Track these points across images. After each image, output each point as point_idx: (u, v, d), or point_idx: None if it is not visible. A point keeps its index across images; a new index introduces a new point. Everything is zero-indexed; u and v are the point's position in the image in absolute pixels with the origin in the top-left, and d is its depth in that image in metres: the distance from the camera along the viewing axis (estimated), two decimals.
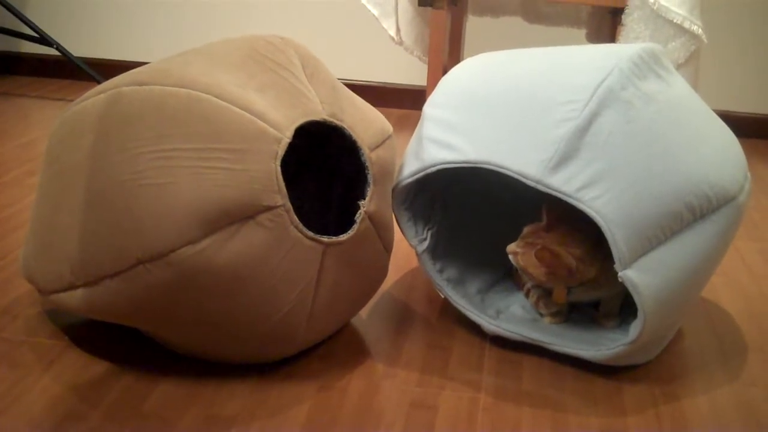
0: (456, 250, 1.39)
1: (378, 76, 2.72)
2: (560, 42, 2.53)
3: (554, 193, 1.12)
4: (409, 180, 1.24)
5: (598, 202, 1.10)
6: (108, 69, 2.70)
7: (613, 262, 1.11)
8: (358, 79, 2.71)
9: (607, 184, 1.10)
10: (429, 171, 1.22)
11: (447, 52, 2.46)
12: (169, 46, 2.75)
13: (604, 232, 1.10)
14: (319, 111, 1.12)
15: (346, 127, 1.14)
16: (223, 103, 1.05)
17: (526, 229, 1.26)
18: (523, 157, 1.14)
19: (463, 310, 1.30)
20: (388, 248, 1.24)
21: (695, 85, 2.05)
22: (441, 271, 1.33)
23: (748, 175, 1.26)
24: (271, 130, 1.06)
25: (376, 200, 1.16)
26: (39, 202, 1.20)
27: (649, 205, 1.11)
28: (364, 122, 1.17)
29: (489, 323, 1.27)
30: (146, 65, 1.15)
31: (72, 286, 1.10)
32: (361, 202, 1.14)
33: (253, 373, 1.16)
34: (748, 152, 2.48)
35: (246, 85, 1.09)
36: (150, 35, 2.78)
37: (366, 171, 1.16)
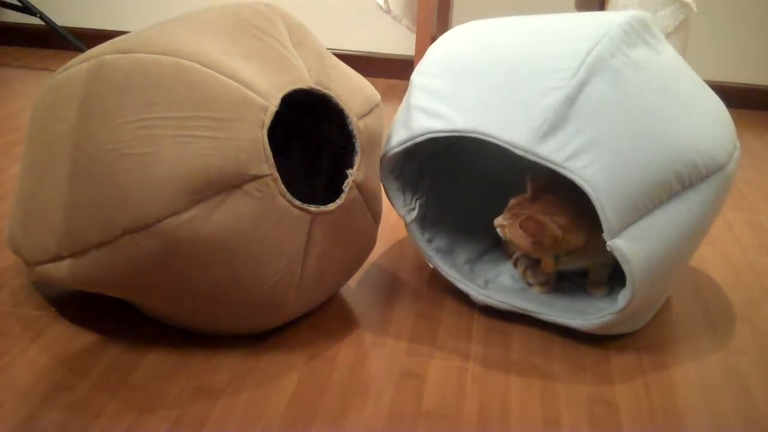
0: (445, 220, 1.38)
1: (366, 45, 2.70)
2: (549, 11, 2.51)
3: (543, 163, 1.11)
4: (398, 149, 1.23)
5: (587, 171, 1.10)
6: (92, 38, 2.67)
7: (601, 231, 1.11)
8: (346, 49, 2.69)
9: (595, 153, 1.10)
10: (418, 140, 1.21)
11: (435, 21, 2.44)
12: (154, 15, 2.72)
13: (593, 201, 1.09)
14: (306, 79, 1.11)
15: (333, 95, 1.13)
16: (209, 71, 1.03)
17: (511, 201, 1.25)
18: (511, 126, 1.13)
19: (452, 280, 1.30)
20: (376, 218, 1.23)
21: (684, 54, 2.04)
22: (430, 240, 1.33)
23: (737, 143, 1.26)
24: (258, 98, 1.04)
25: (364, 169, 1.15)
26: (24, 172, 1.18)
27: (637, 174, 1.11)
28: (352, 90, 1.16)
29: (478, 293, 1.27)
30: (130, 33, 1.13)
31: (58, 258, 1.09)
32: (349, 171, 1.13)
33: (242, 344, 1.16)
34: (736, 123, 2.48)
35: (232, 53, 1.07)
36: (135, 4, 2.74)
37: (353, 139, 1.15)
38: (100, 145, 1.03)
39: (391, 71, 2.67)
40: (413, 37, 2.61)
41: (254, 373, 1.10)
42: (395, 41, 2.67)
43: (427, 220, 1.34)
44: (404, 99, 1.28)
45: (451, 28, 2.53)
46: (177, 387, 1.06)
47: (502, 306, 1.26)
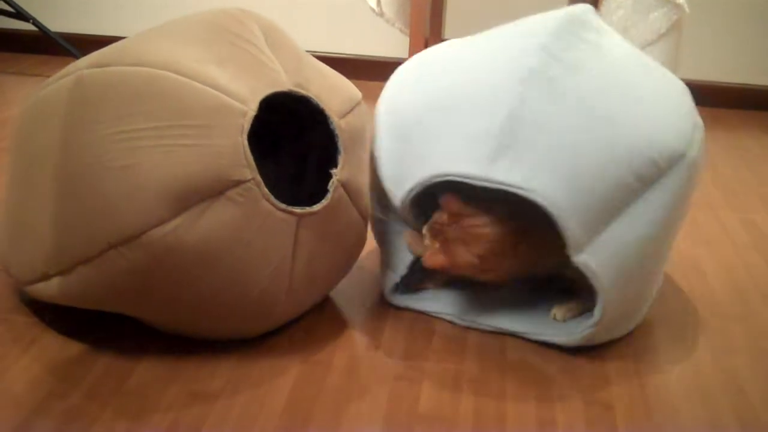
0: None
1: (360, 48, 2.70)
2: (542, 12, 2.51)
3: (502, 188, 1.09)
4: (401, 217, 1.23)
5: (547, 190, 1.07)
6: (86, 43, 2.67)
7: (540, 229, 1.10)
8: (340, 52, 2.69)
9: (550, 169, 1.08)
10: (404, 207, 1.20)
11: (428, 24, 2.45)
12: (148, 20, 2.72)
13: (556, 220, 1.07)
14: (283, 82, 1.11)
15: (312, 96, 1.13)
16: (185, 80, 1.03)
17: (433, 222, 1.20)
18: (461, 158, 1.12)
19: (437, 315, 1.27)
20: (364, 215, 1.23)
21: (676, 54, 2.04)
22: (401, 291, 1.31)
23: (699, 123, 1.20)
24: (236, 103, 1.04)
25: (348, 168, 1.15)
26: (9, 191, 1.18)
27: (595, 182, 1.08)
28: (332, 90, 1.17)
29: (462, 320, 1.25)
30: (106, 47, 1.13)
31: (46, 276, 1.09)
32: (333, 171, 1.13)
33: (236, 348, 1.16)
34: (730, 122, 2.48)
35: (207, 60, 1.07)
36: (129, 9, 2.74)
37: (336, 139, 1.15)
38: (82, 160, 1.03)
39: (385, 74, 2.67)
40: (407, 39, 2.61)
41: (249, 377, 1.10)
42: (389, 44, 2.67)
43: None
44: (371, 173, 1.27)
45: (444, 29, 2.54)
46: (171, 393, 1.06)
47: (488, 329, 1.24)
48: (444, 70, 1.23)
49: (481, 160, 1.10)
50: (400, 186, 1.20)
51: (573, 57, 1.15)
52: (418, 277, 1.30)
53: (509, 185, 1.09)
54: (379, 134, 1.26)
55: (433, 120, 1.17)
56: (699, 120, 1.21)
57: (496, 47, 1.20)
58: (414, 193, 1.18)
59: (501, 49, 1.19)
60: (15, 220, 1.14)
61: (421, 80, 1.25)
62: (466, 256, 1.15)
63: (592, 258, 1.09)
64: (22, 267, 1.13)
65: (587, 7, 1.24)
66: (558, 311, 1.24)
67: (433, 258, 1.16)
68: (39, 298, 1.13)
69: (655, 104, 1.17)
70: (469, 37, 1.30)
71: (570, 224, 1.07)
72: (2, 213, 1.21)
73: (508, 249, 1.16)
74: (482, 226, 1.15)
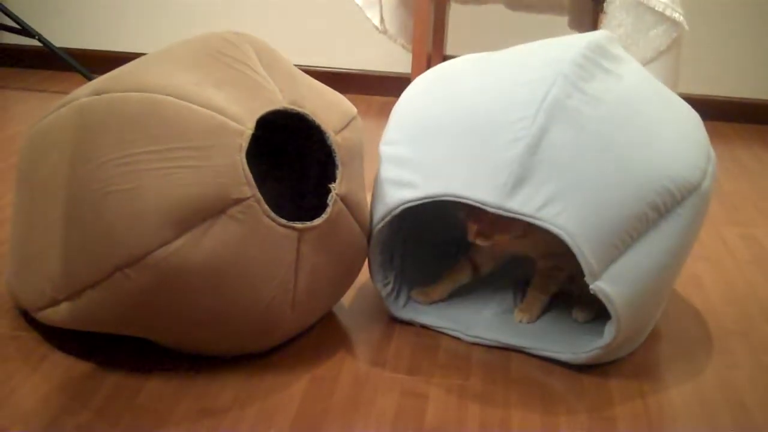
0: (421, 274, 1.37)
1: (363, 63, 2.72)
2: (543, 29, 2.54)
3: (516, 216, 1.11)
4: (381, 224, 1.23)
5: (561, 219, 1.09)
6: (91, 59, 2.69)
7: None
8: (343, 67, 2.71)
9: (566, 199, 1.10)
10: (395, 213, 1.21)
11: (431, 40, 2.47)
12: (151, 36, 2.74)
13: (571, 247, 1.09)
14: (279, 100, 1.13)
15: (308, 112, 1.15)
16: (183, 102, 1.05)
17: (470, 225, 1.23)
18: (479, 185, 1.13)
19: (442, 331, 1.28)
20: (364, 228, 1.24)
21: (677, 70, 2.06)
22: (405, 305, 1.32)
23: (712, 155, 1.24)
24: (233, 123, 1.06)
25: (346, 182, 1.17)
26: (14, 221, 1.21)
27: (611, 212, 1.10)
28: (327, 106, 1.19)
29: (466, 335, 1.27)
30: (103, 75, 1.16)
31: (55, 302, 1.10)
32: (332, 185, 1.15)
33: (243, 364, 1.17)
34: (728, 136, 2.50)
35: (204, 83, 1.09)
36: (133, 25, 2.76)
37: (333, 154, 1.17)
38: (85, 186, 1.05)
39: (388, 89, 2.69)
40: (410, 54, 2.63)
41: (257, 392, 1.11)
42: (392, 59, 2.69)
43: (404, 284, 1.34)
44: (377, 172, 1.28)
45: (446, 47, 2.56)
46: (181, 409, 1.07)
47: (493, 344, 1.25)
48: (465, 88, 1.23)
49: (499, 189, 1.11)
50: (397, 189, 1.21)
51: (593, 87, 1.16)
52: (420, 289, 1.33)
53: (523, 215, 1.11)
54: (388, 133, 1.27)
55: (451, 138, 1.18)
56: (712, 152, 1.24)
57: (517, 71, 1.20)
58: (416, 203, 1.18)
59: (521, 74, 1.19)
60: (21, 249, 1.17)
61: (442, 93, 1.25)
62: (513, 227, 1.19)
63: (608, 285, 1.11)
64: (31, 294, 1.15)
65: (607, 35, 1.24)
66: (580, 313, 1.29)
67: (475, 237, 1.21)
68: (48, 323, 1.14)
69: (671, 136, 1.18)
70: (488, 54, 1.30)
71: (584, 251, 1.09)
72: (9, 245, 1.23)
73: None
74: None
